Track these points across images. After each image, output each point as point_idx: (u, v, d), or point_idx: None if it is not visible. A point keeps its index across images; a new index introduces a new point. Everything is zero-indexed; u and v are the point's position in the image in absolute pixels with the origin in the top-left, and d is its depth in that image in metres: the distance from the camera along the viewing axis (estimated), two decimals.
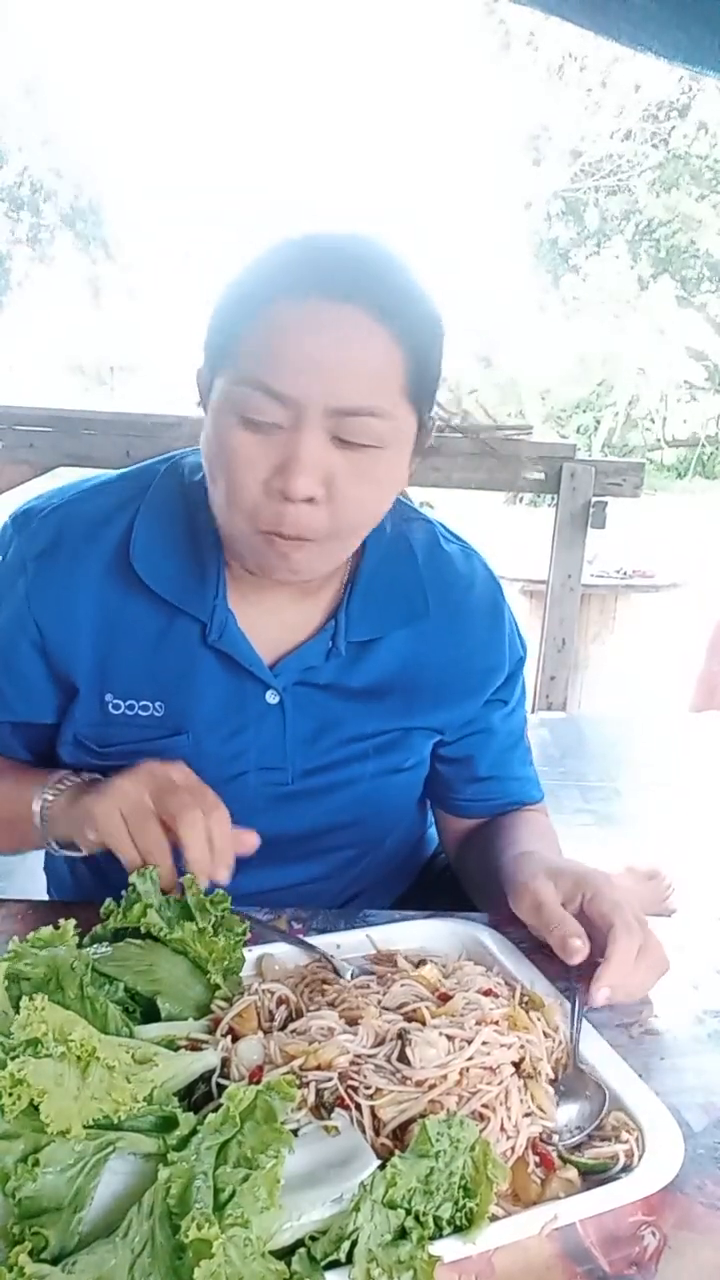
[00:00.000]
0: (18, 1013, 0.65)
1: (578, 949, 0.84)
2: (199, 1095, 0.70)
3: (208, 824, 0.85)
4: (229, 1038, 0.73)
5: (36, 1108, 0.59)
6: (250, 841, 0.89)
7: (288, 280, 0.83)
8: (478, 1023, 0.72)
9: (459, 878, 1.20)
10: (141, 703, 1.00)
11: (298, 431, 0.83)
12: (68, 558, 0.99)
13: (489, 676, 1.10)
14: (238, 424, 0.85)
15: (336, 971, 0.84)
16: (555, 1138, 0.68)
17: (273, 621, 1.02)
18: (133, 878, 0.83)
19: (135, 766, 0.89)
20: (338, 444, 0.85)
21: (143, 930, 0.81)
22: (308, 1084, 0.67)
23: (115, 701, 1.00)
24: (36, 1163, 0.58)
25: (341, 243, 0.87)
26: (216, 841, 0.85)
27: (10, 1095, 0.59)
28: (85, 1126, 0.60)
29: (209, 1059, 0.71)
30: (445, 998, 0.77)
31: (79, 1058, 0.62)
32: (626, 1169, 0.66)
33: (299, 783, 1.03)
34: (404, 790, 1.12)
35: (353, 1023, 0.73)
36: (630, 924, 0.86)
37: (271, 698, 1.01)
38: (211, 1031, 0.75)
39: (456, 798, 1.16)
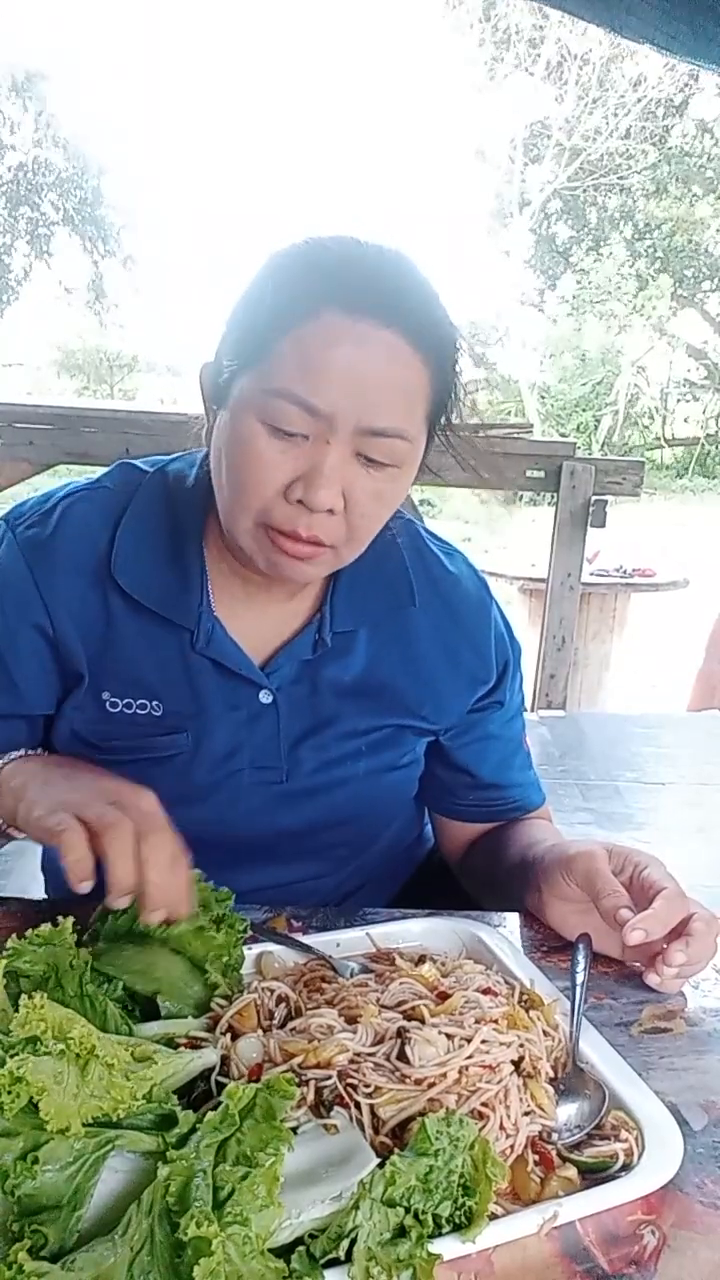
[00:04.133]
0: (17, 1010, 0.65)
1: (627, 919, 0.85)
2: (198, 1093, 0.70)
3: (143, 847, 0.78)
4: (228, 1035, 0.73)
5: (36, 1106, 0.59)
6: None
7: (334, 293, 0.83)
8: (477, 1021, 0.72)
9: (463, 882, 1.20)
10: (139, 701, 1.00)
11: (325, 445, 0.85)
12: (64, 555, 0.99)
13: (479, 670, 1.09)
14: (262, 430, 0.85)
15: (335, 970, 0.84)
16: (555, 1136, 0.68)
17: (260, 621, 1.02)
18: None
19: (103, 785, 0.86)
20: (360, 462, 0.87)
21: (140, 929, 0.81)
22: (307, 1082, 0.67)
23: (113, 700, 1.00)
24: (36, 1160, 0.58)
25: (381, 262, 0.87)
26: (151, 876, 0.77)
27: (9, 1093, 0.59)
28: (84, 1125, 0.60)
29: (208, 1057, 0.71)
30: (444, 996, 0.77)
31: (78, 1055, 0.62)
32: (626, 1168, 0.66)
33: (293, 781, 1.04)
34: (398, 788, 1.12)
35: (352, 1021, 0.73)
36: (680, 893, 0.88)
37: (265, 697, 1.02)
38: (211, 1029, 0.74)
39: (459, 804, 1.16)
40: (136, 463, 1.06)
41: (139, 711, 1.00)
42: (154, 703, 1.00)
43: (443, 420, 0.94)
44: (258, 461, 0.86)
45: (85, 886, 0.76)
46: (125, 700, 1.00)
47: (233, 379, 0.89)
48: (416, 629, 1.06)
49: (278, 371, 0.84)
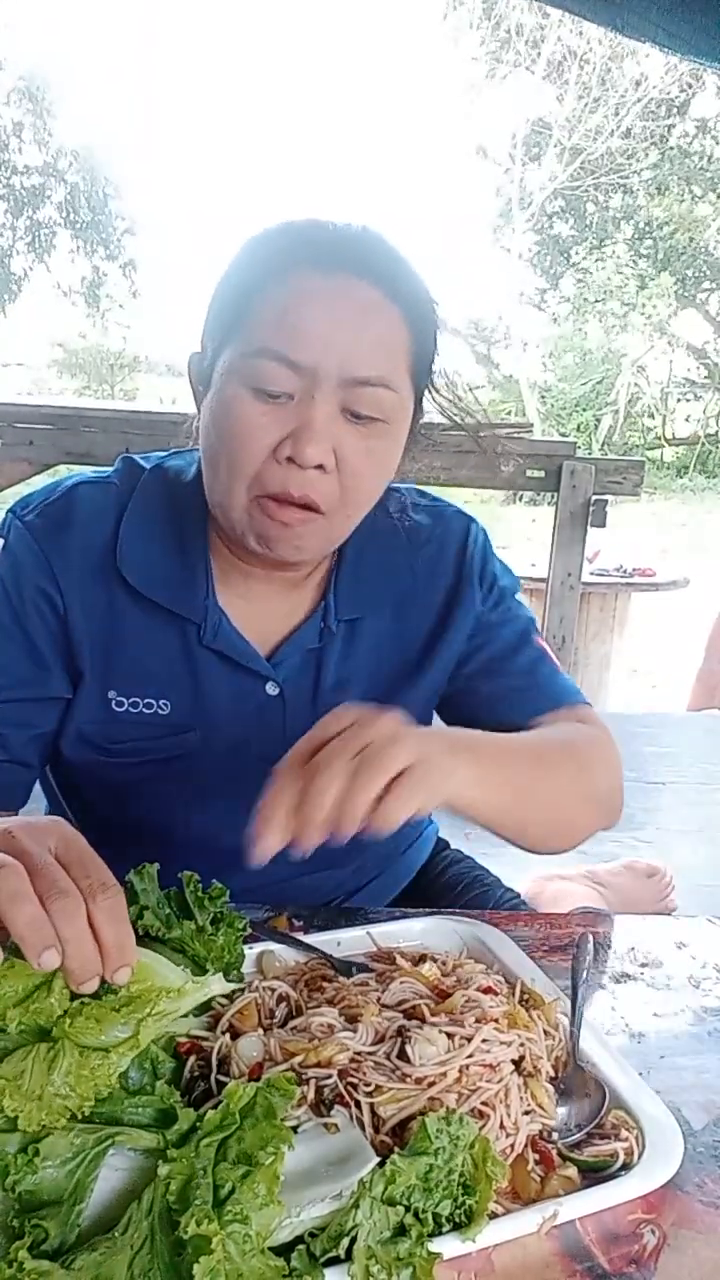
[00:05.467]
0: None
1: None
2: (199, 1092, 0.70)
3: (93, 912, 0.64)
4: (229, 1034, 0.73)
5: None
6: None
7: (305, 253, 0.86)
8: (477, 1020, 0.72)
9: None
10: (146, 700, 1.00)
11: (310, 399, 0.85)
12: (75, 541, 0.99)
13: (463, 607, 1.06)
14: (248, 394, 0.86)
15: (336, 969, 0.84)
16: (555, 1135, 0.68)
17: (265, 612, 1.02)
18: (129, 876, 0.83)
19: (4, 827, 0.68)
20: (347, 417, 0.87)
21: (140, 931, 0.81)
22: (307, 1081, 0.67)
23: (119, 699, 0.99)
24: (36, 1153, 0.58)
25: (350, 226, 0.90)
26: (105, 935, 0.64)
27: None
28: (78, 1121, 0.60)
29: (213, 985, 0.72)
30: (444, 995, 0.77)
31: (49, 1038, 0.62)
32: (626, 1167, 0.66)
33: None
34: None
35: (353, 1020, 0.73)
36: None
37: (271, 689, 1.02)
38: (212, 1028, 0.75)
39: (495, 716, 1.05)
40: (137, 458, 1.06)
41: (145, 711, 1.00)
42: (161, 701, 0.99)
43: (428, 381, 0.95)
44: (245, 426, 0.86)
45: (51, 959, 0.62)
46: (132, 700, 0.99)
47: (215, 356, 0.90)
48: (414, 610, 1.06)
49: (256, 334, 0.85)
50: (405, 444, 0.96)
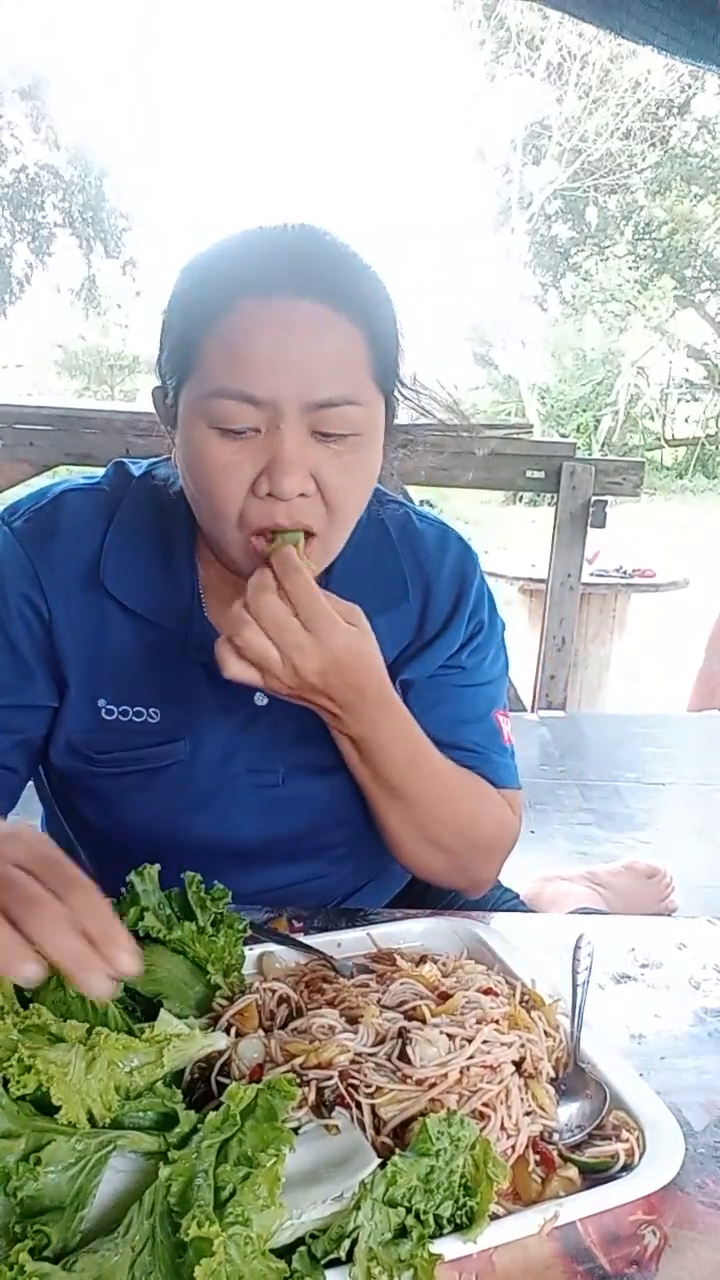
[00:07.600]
0: (25, 1007, 0.65)
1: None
2: (200, 1094, 0.70)
3: (70, 913, 0.61)
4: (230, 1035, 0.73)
5: (37, 1101, 0.59)
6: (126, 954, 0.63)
7: (244, 280, 0.84)
8: (478, 1021, 0.72)
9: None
10: (135, 709, 0.99)
11: (277, 432, 0.83)
12: (61, 549, 0.98)
13: (445, 639, 1.06)
14: (214, 435, 0.85)
15: (336, 970, 0.84)
16: (556, 1136, 0.68)
17: None
18: (130, 877, 0.83)
19: None
20: (318, 438, 0.86)
21: (141, 933, 0.81)
22: (308, 1082, 0.67)
23: (109, 707, 0.99)
24: (39, 1161, 0.58)
25: (284, 239, 0.87)
26: (89, 929, 0.61)
27: (18, 1082, 0.59)
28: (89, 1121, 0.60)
29: (219, 1041, 0.71)
30: (445, 996, 0.77)
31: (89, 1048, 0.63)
32: (627, 1168, 0.66)
33: (289, 784, 1.03)
34: None
35: (353, 1021, 0.73)
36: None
37: (260, 700, 1.01)
38: (212, 1030, 0.74)
39: None
40: (128, 464, 1.06)
41: (135, 719, 0.99)
42: (151, 710, 0.99)
43: (397, 379, 0.92)
44: (217, 468, 0.85)
45: (33, 971, 0.60)
46: (121, 708, 0.99)
47: (176, 395, 0.89)
48: (402, 623, 1.05)
49: (210, 373, 0.84)
50: (384, 445, 0.94)
